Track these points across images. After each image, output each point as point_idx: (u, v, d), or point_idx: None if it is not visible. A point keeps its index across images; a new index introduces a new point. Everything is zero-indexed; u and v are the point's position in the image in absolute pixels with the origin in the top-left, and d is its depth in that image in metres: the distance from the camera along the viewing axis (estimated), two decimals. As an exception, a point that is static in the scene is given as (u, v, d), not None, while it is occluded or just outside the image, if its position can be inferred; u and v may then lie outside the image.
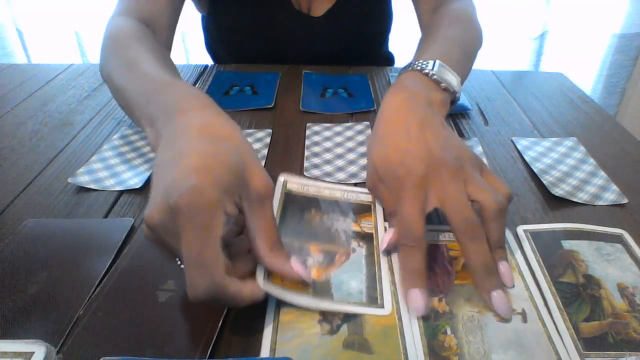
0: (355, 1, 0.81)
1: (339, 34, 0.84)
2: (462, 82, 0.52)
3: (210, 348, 0.33)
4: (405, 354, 0.32)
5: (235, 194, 0.33)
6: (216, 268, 0.31)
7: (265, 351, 0.33)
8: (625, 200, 0.48)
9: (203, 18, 0.92)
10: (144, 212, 0.34)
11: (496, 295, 0.36)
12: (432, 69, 0.48)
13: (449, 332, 0.34)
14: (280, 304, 0.36)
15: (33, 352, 0.30)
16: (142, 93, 0.45)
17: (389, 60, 1.00)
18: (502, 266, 0.38)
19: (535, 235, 0.43)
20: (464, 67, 0.55)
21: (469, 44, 0.60)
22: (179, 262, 0.36)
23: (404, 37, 1.16)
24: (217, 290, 0.31)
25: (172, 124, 0.38)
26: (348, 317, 0.35)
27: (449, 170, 0.39)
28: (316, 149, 0.57)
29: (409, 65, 0.50)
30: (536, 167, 0.54)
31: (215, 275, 0.30)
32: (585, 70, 1.64)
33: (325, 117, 0.66)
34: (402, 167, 0.39)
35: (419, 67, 0.49)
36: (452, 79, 0.49)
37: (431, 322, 0.35)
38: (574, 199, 0.48)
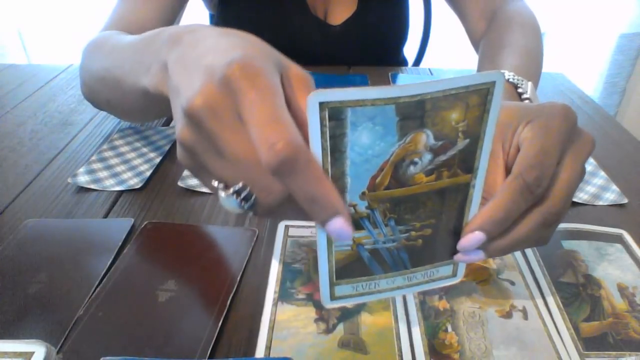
0: (375, 10, 0.80)
1: (358, 43, 0.83)
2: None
3: (210, 348, 0.33)
4: (400, 355, 0.32)
5: (279, 71, 0.27)
6: (293, 126, 0.24)
7: (260, 349, 0.33)
8: (625, 200, 0.48)
9: (211, 17, 0.92)
10: (175, 129, 0.27)
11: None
12: (526, 91, 0.46)
13: (449, 329, 0.34)
14: (278, 302, 0.36)
15: (33, 352, 0.30)
16: (132, 53, 0.40)
17: (402, 64, 0.98)
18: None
19: (535, 235, 0.43)
20: (536, 81, 0.53)
21: (540, 55, 0.58)
22: (218, 185, 0.27)
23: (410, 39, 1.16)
24: (297, 152, 0.23)
25: (182, 44, 0.31)
26: (344, 317, 0.35)
27: None
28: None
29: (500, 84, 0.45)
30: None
31: (292, 131, 0.23)
32: (586, 70, 1.64)
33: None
34: None
35: (514, 81, 0.47)
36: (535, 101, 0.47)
37: (432, 321, 0.35)
38: (574, 199, 0.48)
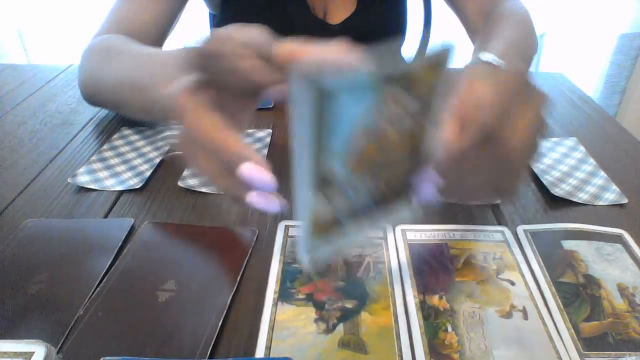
0: (374, 9, 0.81)
1: (357, 42, 0.84)
2: None
3: (210, 348, 0.33)
4: (400, 355, 0.32)
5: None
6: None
7: (260, 349, 0.33)
8: (625, 200, 0.48)
9: (212, 17, 0.92)
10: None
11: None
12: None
13: (449, 329, 0.34)
14: (278, 302, 0.36)
15: (33, 352, 0.30)
16: (161, 66, 0.45)
17: None
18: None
19: (535, 235, 0.43)
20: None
21: (530, 48, 0.58)
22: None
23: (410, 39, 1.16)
24: (182, 105, 0.31)
25: None
26: (344, 317, 0.35)
27: None
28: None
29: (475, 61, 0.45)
30: (536, 167, 0.54)
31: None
32: (586, 70, 1.64)
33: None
34: None
35: (496, 64, 0.47)
36: None
37: (432, 321, 0.35)
38: (574, 199, 0.48)
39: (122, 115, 0.66)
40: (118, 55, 0.54)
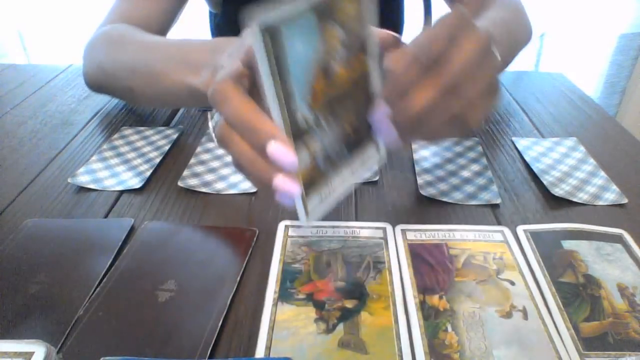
0: None
1: None
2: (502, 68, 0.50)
3: (210, 348, 0.33)
4: (400, 355, 0.32)
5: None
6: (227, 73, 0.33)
7: (260, 349, 0.33)
8: (625, 200, 0.48)
9: (212, 16, 0.91)
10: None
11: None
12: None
13: (449, 329, 0.34)
14: (278, 302, 0.36)
15: (33, 352, 0.30)
16: (176, 53, 0.49)
17: None
18: None
19: (535, 235, 0.43)
20: (508, 53, 0.52)
21: (518, 32, 0.59)
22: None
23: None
24: (221, 88, 0.32)
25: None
26: (344, 317, 0.35)
27: None
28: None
29: None
30: (536, 167, 0.54)
31: (222, 75, 0.34)
32: (586, 70, 1.64)
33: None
34: None
35: None
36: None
37: (432, 321, 0.35)
38: (574, 199, 0.48)
39: (129, 103, 0.69)
40: (130, 43, 0.56)
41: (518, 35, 0.60)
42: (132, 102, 0.67)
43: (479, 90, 0.34)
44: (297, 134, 0.31)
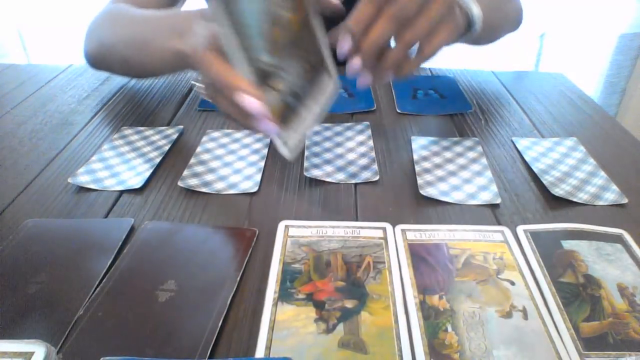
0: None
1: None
2: (485, 29, 0.50)
3: (210, 348, 0.33)
4: (400, 355, 0.32)
5: None
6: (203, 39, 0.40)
7: (260, 349, 0.33)
8: (625, 200, 0.48)
9: None
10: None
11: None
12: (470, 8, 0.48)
13: (449, 329, 0.34)
14: (278, 302, 0.36)
15: (33, 352, 0.30)
16: (161, 21, 0.54)
17: None
18: None
19: (535, 235, 0.43)
20: (491, 15, 0.53)
21: (502, 5, 0.61)
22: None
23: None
24: (196, 52, 0.39)
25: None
26: (344, 317, 0.35)
27: None
28: (316, 149, 0.57)
29: None
30: (536, 167, 0.54)
31: (199, 42, 0.40)
32: (586, 70, 1.64)
33: (325, 117, 0.66)
34: None
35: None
36: (474, 7, 0.48)
37: (432, 321, 0.35)
38: (574, 199, 0.48)
39: (125, 76, 0.73)
40: (127, 18, 0.60)
41: (505, 7, 0.63)
42: (128, 74, 0.70)
43: (431, 20, 0.39)
44: (263, 79, 0.37)
